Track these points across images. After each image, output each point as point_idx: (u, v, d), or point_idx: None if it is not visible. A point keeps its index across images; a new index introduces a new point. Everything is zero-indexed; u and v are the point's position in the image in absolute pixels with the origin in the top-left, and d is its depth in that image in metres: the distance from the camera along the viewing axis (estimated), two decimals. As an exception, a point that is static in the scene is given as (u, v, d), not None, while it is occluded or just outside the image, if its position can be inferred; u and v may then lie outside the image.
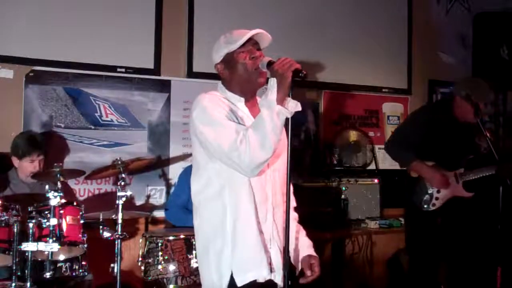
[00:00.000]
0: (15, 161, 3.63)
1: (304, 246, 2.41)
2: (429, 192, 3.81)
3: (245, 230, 2.18)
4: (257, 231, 2.19)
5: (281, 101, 2.06)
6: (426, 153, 3.81)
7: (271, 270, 2.21)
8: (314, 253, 2.40)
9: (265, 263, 2.19)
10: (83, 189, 4.14)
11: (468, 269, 3.89)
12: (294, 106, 2.08)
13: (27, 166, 3.59)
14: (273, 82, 2.08)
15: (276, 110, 2.05)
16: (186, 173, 3.92)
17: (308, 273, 2.31)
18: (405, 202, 4.06)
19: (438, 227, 3.77)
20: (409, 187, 3.91)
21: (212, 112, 2.16)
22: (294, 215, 2.44)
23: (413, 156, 3.81)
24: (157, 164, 4.33)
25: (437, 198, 3.79)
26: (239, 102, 2.29)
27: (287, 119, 2.08)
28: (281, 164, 2.30)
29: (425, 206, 3.81)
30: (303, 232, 2.47)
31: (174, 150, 4.42)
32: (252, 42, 2.25)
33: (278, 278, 2.23)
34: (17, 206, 3.03)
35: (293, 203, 2.41)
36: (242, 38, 2.22)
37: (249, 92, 2.31)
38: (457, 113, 3.82)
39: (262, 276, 2.18)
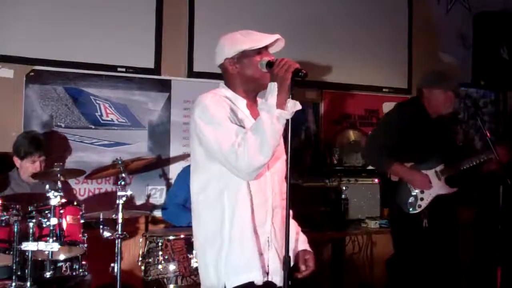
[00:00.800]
0: (17, 161, 3.64)
1: (298, 241, 2.41)
2: (413, 194, 3.73)
3: (240, 232, 2.18)
4: (252, 234, 2.19)
5: (281, 104, 2.05)
6: (403, 154, 3.73)
7: (268, 273, 2.21)
8: (308, 248, 2.40)
9: (258, 267, 2.18)
10: (83, 188, 4.14)
11: (454, 271, 3.84)
12: (293, 106, 2.07)
13: (28, 167, 3.60)
14: (273, 86, 2.07)
15: (276, 114, 2.04)
16: (185, 173, 3.93)
17: (303, 267, 2.32)
18: (389, 207, 4.01)
19: (425, 230, 3.71)
20: (392, 191, 3.84)
21: (213, 112, 2.15)
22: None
23: (391, 160, 3.72)
24: (157, 164, 4.33)
25: (422, 199, 3.72)
26: (241, 103, 2.28)
27: (286, 120, 2.08)
28: (280, 166, 2.30)
29: (411, 209, 3.73)
30: (297, 228, 2.47)
31: (174, 150, 4.42)
32: (267, 46, 2.28)
33: (276, 279, 2.22)
34: (17, 206, 3.03)
35: None
36: (267, 40, 2.23)
37: (253, 92, 2.31)
38: (429, 108, 3.78)
39: (254, 279, 2.17)
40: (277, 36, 2.25)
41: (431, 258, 3.71)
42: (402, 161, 3.75)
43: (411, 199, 3.73)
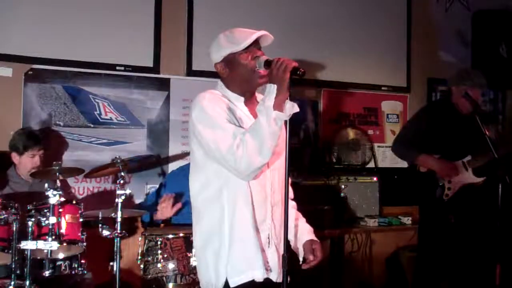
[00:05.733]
0: (15, 157, 3.64)
1: (304, 232, 2.43)
2: (440, 184, 3.85)
3: (242, 230, 2.19)
4: (254, 231, 2.20)
5: (279, 105, 2.06)
6: (432, 149, 3.87)
7: (268, 269, 2.22)
8: (315, 238, 2.41)
9: (260, 264, 2.20)
10: (82, 187, 4.14)
11: (474, 268, 3.90)
12: (291, 107, 2.08)
13: (27, 162, 3.60)
14: (272, 88, 2.08)
15: (273, 116, 2.05)
16: (174, 176, 3.97)
17: (311, 257, 2.32)
18: (419, 198, 4.10)
19: (451, 225, 3.80)
20: (420, 183, 3.97)
21: (211, 114, 2.16)
22: (292, 204, 2.47)
23: (417, 151, 3.88)
24: (156, 163, 4.33)
25: (449, 189, 3.84)
26: (239, 102, 2.29)
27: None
28: (280, 163, 2.30)
29: (438, 198, 3.85)
30: (302, 219, 2.49)
31: (173, 149, 4.42)
32: (254, 42, 2.25)
33: (274, 276, 2.24)
34: (16, 205, 3.03)
35: (291, 195, 2.43)
36: (247, 40, 2.21)
37: (249, 91, 2.32)
38: (457, 105, 3.90)
39: (256, 277, 2.19)
40: (259, 33, 2.23)
41: (455, 252, 3.83)
42: (430, 154, 3.87)
43: (438, 190, 3.84)
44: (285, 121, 2.10)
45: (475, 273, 3.90)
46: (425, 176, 3.92)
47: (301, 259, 2.39)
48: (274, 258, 2.25)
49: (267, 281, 2.23)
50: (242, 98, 2.30)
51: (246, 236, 2.19)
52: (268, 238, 2.25)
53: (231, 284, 2.17)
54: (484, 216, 3.90)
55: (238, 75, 2.27)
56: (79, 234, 3.27)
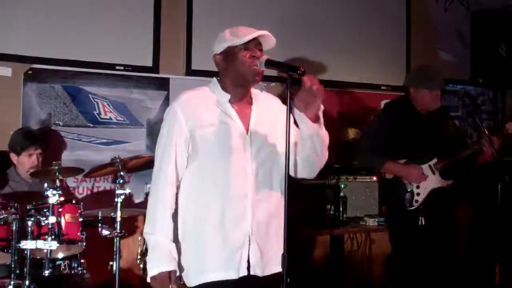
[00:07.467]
0: (14, 157, 3.64)
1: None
2: (409, 190, 3.72)
3: (203, 231, 2.23)
4: (220, 233, 2.22)
5: None
6: (396, 152, 3.73)
7: (249, 266, 2.23)
8: None
9: (226, 265, 2.22)
10: (81, 187, 4.14)
11: (452, 267, 3.83)
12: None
13: (25, 161, 3.60)
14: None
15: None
16: None
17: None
18: (386, 206, 4.02)
19: (421, 227, 3.71)
20: (388, 190, 3.86)
21: (167, 132, 2.27)
22: None
23: (383, 158, 3.73)
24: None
25: (418, 194, 3.71)
26: (226, 101, 2.30)
27: (284, 118, 2.09)
28: (266, 159, 2.30)
29: (408, 205, 3.71)
30: None
31: (173, 148, 4.41)
32: (255, 42, 2.28)
33: (258, 271, 2.24)
34: (15, 204, 3.03)
35: None
36: (248, 36, 2.24)
37: (241, 87, 2.33)
38: (417, 105, 3.79)
39: (215, 279, 2.22)
40: (259, 32, 2.26)
41: (428, 255, 3.71)
42: (396, 159, 3.75)
43: (407, 195, 3.71)
44: (286, 117, 2.08)
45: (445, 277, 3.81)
46: (391, 182, 3.79)
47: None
48: (257, 255, 2.23)
49: (252, 277, 2.23)
50: (228, 96, 2.30)
51: (211, 237, 2.23)
52: (249, 236, 2.23)
53: (191, 284, 2.25)
54: (453, 219, 3.86)
55: (234, 69, 2.28)
56: (79, 233, 3.28)
